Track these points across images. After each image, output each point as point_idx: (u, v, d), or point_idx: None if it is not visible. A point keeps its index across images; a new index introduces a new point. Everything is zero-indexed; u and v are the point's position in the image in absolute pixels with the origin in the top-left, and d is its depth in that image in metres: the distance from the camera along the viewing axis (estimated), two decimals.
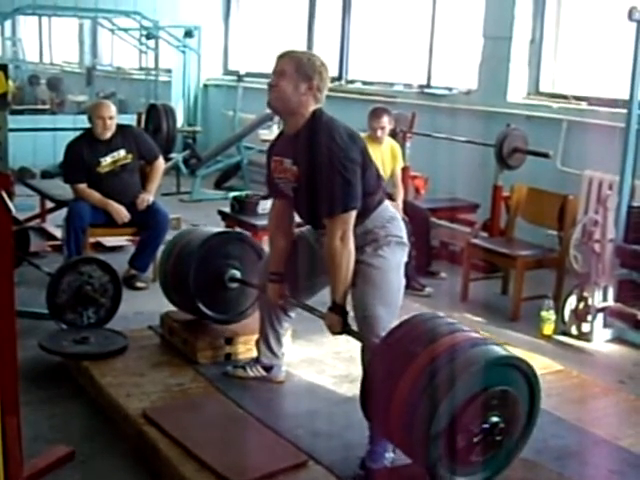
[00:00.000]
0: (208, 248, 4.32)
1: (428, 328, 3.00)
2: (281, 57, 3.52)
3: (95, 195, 5.76)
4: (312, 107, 3.48)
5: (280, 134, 3.69)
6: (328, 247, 3.40)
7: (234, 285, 4.36)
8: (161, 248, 5.16)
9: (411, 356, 2.86)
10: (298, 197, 3.57)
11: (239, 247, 4.44)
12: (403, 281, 3.56)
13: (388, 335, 3.11)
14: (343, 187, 3.34)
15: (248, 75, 10.37)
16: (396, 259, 3.52)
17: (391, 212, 3.62)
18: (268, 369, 4.11)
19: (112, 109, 5.88)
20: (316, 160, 3.37)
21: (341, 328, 3.48)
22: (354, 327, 3.50)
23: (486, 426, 2.77)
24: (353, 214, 3.40)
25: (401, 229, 3.60)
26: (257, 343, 4.19)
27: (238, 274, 4.33)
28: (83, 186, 5.77)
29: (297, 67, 3.45)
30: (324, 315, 3.56)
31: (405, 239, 3.59)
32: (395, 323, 3.20)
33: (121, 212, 5.78)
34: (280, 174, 3.60)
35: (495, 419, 2.78)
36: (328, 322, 3.52)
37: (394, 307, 3.46)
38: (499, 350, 2.92)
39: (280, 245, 3.81)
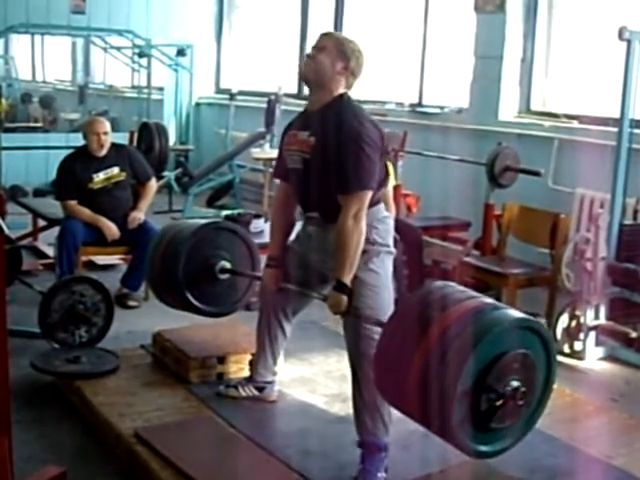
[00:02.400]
0: (198, 239, 4.21)
1: (446, 293, 2.96)
2: (324, 35, 3.57)
3: (85, 211, 5.75)
4: (341, 89, 3.50)
5: (302, 112, 3.67)
6: (340, 224, 3.35)
7: (224, 277, 4.22)
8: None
9: (430, 319, 2.82)
10: (308, 171, 3.51)
11: (229, 239, 4.33)
12: (393, 294, 3.54)
13: (403, 302, 3.05)
14: (364, 166, 3.34)
15: (240, 93, 10.38)
16: (387, 272, 3.51)
17: (384, 213, 3.59)
18: (260, 389, 4.10)
19: (106, 125, 5.90)
20: (338, 135, 3.36)
21: (345, 308, 3.38)
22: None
23: (508, 389, 2.73)
24: (369, 194, 3.38)
25: (389, 232, 3.57)
26: (251, 362, 4.19)
27: (228, 265, 4.21)
28: (73, 202, 5.77)
29: (338, 45, 3.49)
30: (326, 296, 3.46)
31: (392, 246, 3.57)
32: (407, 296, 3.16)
33: (112, 228, 5.77)
34: (292, 146, 3.58)
35: (516, 383, 2.75)
36: (332, 301, 3.39)
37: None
38: (520, 314, 2.91)
39: (281, 230, 3.81)
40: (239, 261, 4.29)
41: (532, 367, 2.82)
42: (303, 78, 3.60)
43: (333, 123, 3.40)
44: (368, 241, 3.44)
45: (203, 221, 4.48)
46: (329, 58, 3.46)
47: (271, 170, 8.12)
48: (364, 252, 3.43)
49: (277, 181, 3.99)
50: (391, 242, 3.57)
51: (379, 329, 3.24)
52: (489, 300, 2.97)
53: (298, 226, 3.85)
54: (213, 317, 4.39)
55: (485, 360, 2.70)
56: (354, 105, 3.50)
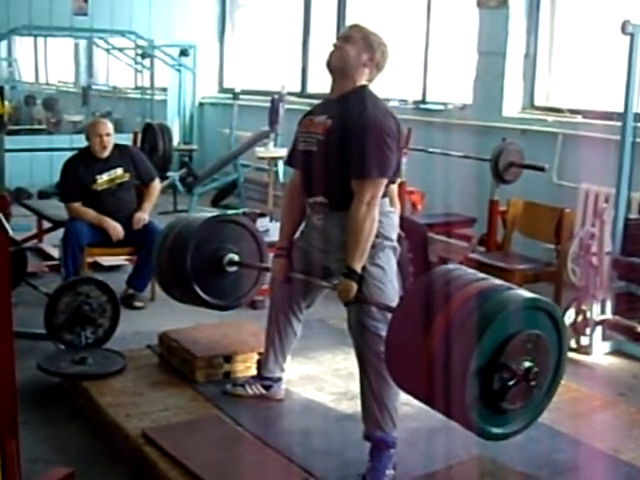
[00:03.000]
0: (205, 232, 4.20)
1: (457, 275, 2.96)
2: (352, 26, 3.62)
3: (90, 212, 5.76)
4: (364, 80, 3.54)
5: (323, 101, 3.70)
6: (353, 210, 3.35)
7: (232, 269, 4.21)
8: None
9: (442, 300, 2.82)
10: (321, 153, 3.49)
11: (238, 232, 4.32)
12: (397, 289, 3.53)
13: (413, 284, 3.04)
14: (384, 153, 3.36)
15: (244, 93, 10.40)
16: (391, 268, 3.51)
17: (389, 207, 3.57)
18: (267, 387, 4.10)
19: (109, 126, 5.91)
20: (359, 121, 3.37)
21: (354, 295, 3.34)
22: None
23: (521, 369, 2.73)
24: (384, 182, 3.39)
25: (394, 227, 3.56)
26: (258, 361, 4.19)
27: (236, 258, 4.20)
28: (77, 204, 5.78)
29: (364, 37, 3.52)
30: (336, 284, 3.43)
31: (395, 241, 3.56)
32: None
33: (117, 228, 5.77)
34: (308, 129, 3.59)
35: (529, 363, 2.74)
36: (342, 287, 3.35)
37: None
38: (533, 294, 2.90)
39: (292, 220, 3.80)
40: (247, 254, 4.28)
41: (545, 348, 2.81)
42: (328, 66, 3.60)
43: (353, 109, 3.42)
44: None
45: (212, 214, 4.47)
46: (355, 49, 3.50)
47: (275, 169, 8.14)
48: (371, 246, 3.43)
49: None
50: (395, 237, 3.57)
51: (384, 325, 3.24)
52: (501, 282, 2.97)
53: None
54: (219, 310, 4.36)
55: (498, 339, 2.69)
56: (375, 97, 3.53)
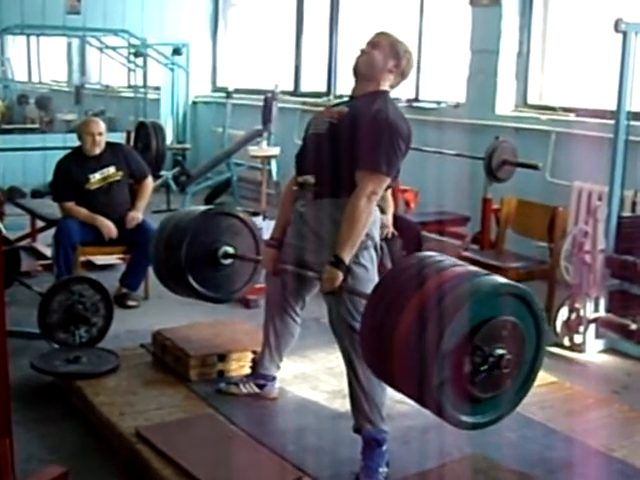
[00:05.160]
0: (202, 224, 4.20)
1: (432, 261, 2.95)
2: (379, 33, 3.63)
3: (83, 211, 5.76)
4: (387, 86, 3.56)
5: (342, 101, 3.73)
6: (352, 201, 3.34)
7: (227, 262, 4.22)
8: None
9: (420, 281, 2.81)
10: (329, 136, 3.49)
11: (235, 225, 4.32)
12: None
13: (392, 269, 3.04)
14: (395, 153, 3.38)
15: (237, 92, 10.38)
16: (374, 266, 3.51)
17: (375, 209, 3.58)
18: (261, 386, 4.10)
19: (101, 125, 5.90)
20: (376, 117, 3.38)
21: (339, 285, 3.34)
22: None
23: (494, 355, 2.70)
24: (388, 181, 3.41)
25: (377, 227, 3.57)
26: (253, 360, 4.19)
27: (231, 250, 4.21)
28: (70, 204, 5.78)
29: (391, 44, 3.56)
30: (322, 272, 3.40)
31: (376, 237, 3.55)
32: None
33: (109, 227, 5.76)
34: (323, 115, 3.61)
35: (502, 350, 2.71)
36: (328, 275, 3.34)
37: None
38: (509, 281, 2.89)
39: (288, 212, 3.77)
40: (243, 248, 4.28)
41: (521, 338, 2.79)
42: (354, 70, 3.61)
43: (372, 105, 3.43)
44: None
45: (208, 207, 4.47)
46: (382, 55, 3.53)
47: (268, 168, 8.12)
48: None
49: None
50: (376, 234, 3.56)
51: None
52: (479, 269, 2.96)
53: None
54: (211, 302, 4.36)
55: (471, 322, 2.67)
56: (394, 103, 3.55)
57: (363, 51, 3.58)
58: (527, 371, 2.87)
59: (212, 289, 4.26)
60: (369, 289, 3.36)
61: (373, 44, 3.57)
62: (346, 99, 3.69)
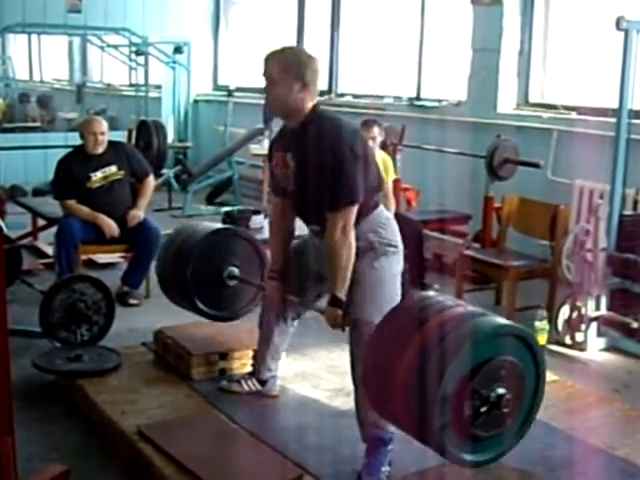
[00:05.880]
0: (207, 244, 4.23)
1: (435, 301, 2.95)
2: (267, 60, 3.51)
3: (84, 209, 5.76)
4: (309, 102, 3.47)
5: (281, 130, 3.68)
6: (328, 239, 3.36)
7: (232, 283, 4.26)
8: (153, 263, 5.14)
9: (420, 323, 2.81)
10: (299, 191, 3.51)
11: (239, 244, 4.35)
12: (398, 292, 3.51)
13: (392, 309, 3.05)
14: (347, 180, 3.32)
15: (238, 90, 10.37)
16: (392, 270, 3.51)
17: (387, 214, 3.60)
18: (263, 383, 4.11)
19: (103, 125, 5.90)
20: (319, 152, 3.33)
21: (342, 322, 3.41)
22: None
23: (493, 395, 2.70)
24: (355, 208, 3.36)
25: (396, 233, 3.57)
26: (254, 357, 4.20)
27: (237, 271, 4.24)
28: (72, 202, 5.78)
29: (285, 68, 3.43)
30: (324, 310, 3.48)
31: (400, 245, 3.57)
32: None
33: (110, 225, 5.76)
34: (282, 169, 3.57)
35: (502, 390, 2.72)
36: (328, 316, 3.44)
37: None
38: (508, 321, 2.91)
39: (281, 242, 3.79)
40: (249, 269, 4.31)
41: (520, 376, 2.80)
42: (272, 114, 3.59)
43: (313, 140, 3.38)
44: (372, 245, 3.45)
45: (217, 225, 4.51)
46: (283, 87, 3.42)
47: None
48: (370, 250, 3.45)
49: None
50: (399, 240, 3.57)
51: None
52: (478, 309, 2.96)
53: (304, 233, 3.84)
54: (217, 321, 4.43)
55: (469, 365, 2.68)
56: (328, 116, 3.48)
57: (267, 91, 3.51)
58: (528, 407, 2.89)
59: (216, 308, 4.32)
60: (382, 292, 3.43)
61: (269, 80, 3.47)
62: (283, 126, 3.64)
